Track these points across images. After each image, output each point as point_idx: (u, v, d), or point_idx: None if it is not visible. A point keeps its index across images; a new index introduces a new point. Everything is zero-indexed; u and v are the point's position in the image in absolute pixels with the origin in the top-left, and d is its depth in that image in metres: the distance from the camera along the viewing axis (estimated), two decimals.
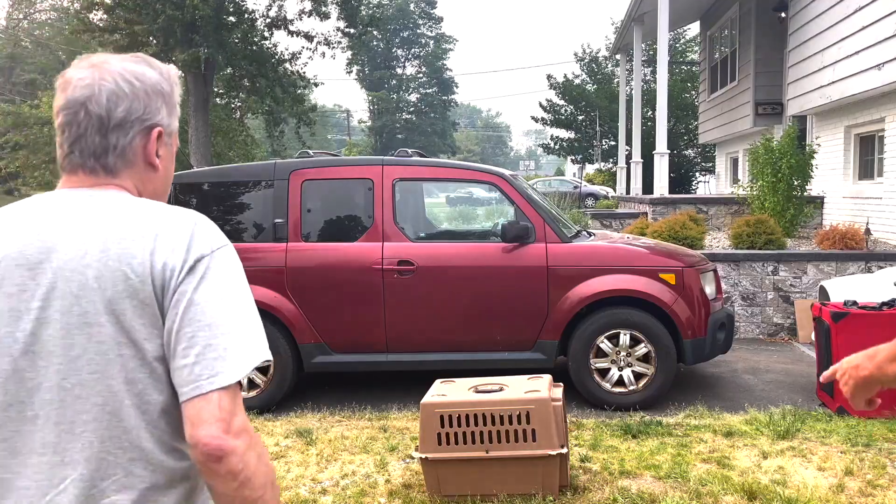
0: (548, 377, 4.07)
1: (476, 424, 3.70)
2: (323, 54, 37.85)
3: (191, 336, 1.19)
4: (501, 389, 3.86)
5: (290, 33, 20.40)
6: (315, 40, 20.90)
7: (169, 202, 1.45)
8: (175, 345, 1.20)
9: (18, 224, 1.26)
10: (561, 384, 4.09)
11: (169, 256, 1.22)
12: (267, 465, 1.25)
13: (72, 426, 1.20)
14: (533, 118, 29.70)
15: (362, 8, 21.07)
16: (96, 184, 1.30)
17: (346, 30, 21.47)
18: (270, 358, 1.30)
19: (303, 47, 21.77)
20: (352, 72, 54.70)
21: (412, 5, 58.36)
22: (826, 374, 1.87)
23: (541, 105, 29.12)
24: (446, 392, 3.92)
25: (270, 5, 20.26)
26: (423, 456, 3.74)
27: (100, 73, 1.29)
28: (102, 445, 1.21)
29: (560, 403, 3.83)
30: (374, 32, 46.53)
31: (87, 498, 1.20)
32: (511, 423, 3.68)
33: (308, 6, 20.35)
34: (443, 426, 3.72)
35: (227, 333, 1.21)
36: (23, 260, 1.22)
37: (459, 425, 3.71)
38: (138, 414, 1.22)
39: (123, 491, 1.22)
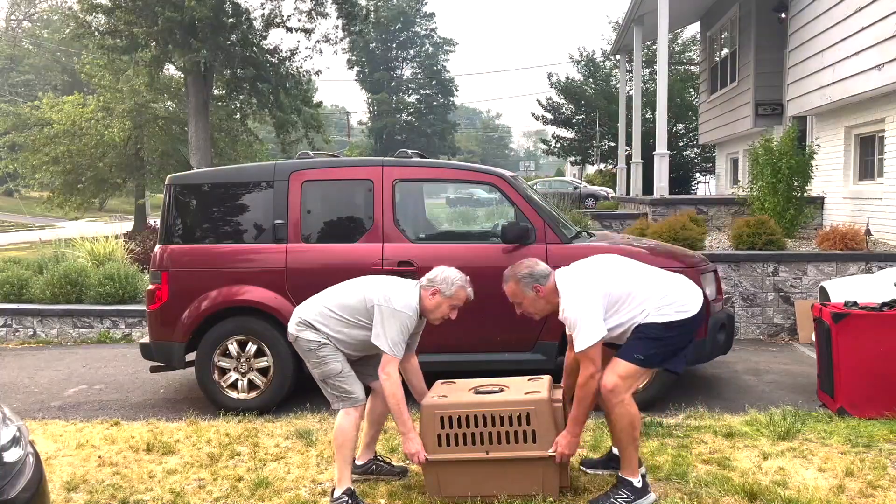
0: (548, 378, 4.06)
1: (476, 426, 3.70)
2: (321, 51, 37.71)
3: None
4: (501, 391, 3.86)
5: (289, 30, 20.39)
6: (314, 37, 20.89)
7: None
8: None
9: None
10: (561, 385, 4.09)
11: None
12: (390, 384, 3.64)
13: None
14: (533, 115, 29.68)
15: (360, 5, 20.99)
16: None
17: (346, 27, 21.45)
18: (395, 356, 3.70)
19: (298, 42, 21.83)
20: (353, 68, 54.78)
21: (405, 5, 58.28)
22: None
23: (540, 103, 29.10)
24: (446, 393, 3.92)
25: (266, 3, 20.28)
26: (425, 458, 3.74)
27: None
28: None
29: (560, 404, 3.83)
30: (373, 33, 46.49)
31: None
32: (511, 424, 3.67)
33: (307, 6, 20.35)
34: (443, 427, 3.72)
35: (382, 334, 3.72)
36: None
37: (459, 426, 3.71)
38: None
39: None
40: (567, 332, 3.71)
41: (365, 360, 3.97)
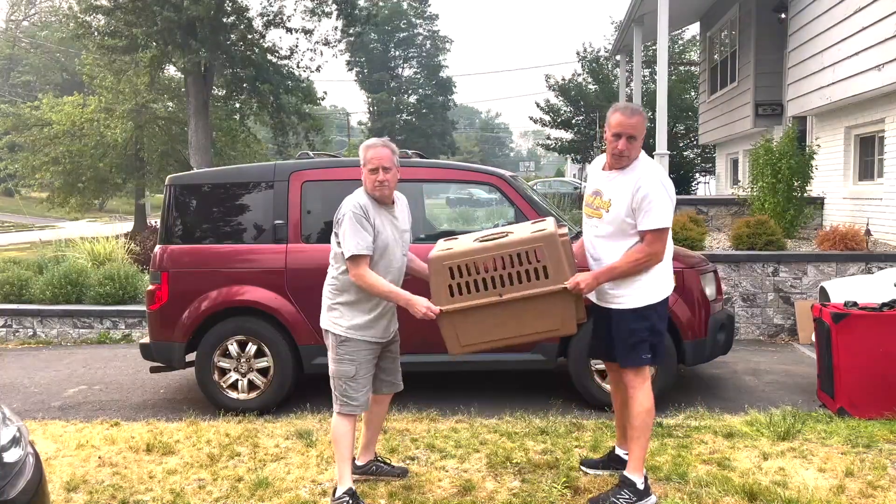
0: (551, 218, 4.00)
1: (486, 270, 3.60)
2: (322, 52, 37.76)
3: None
4: (507, 236, 3.75)
5: (289, 30, 20.40)
6: (314, 38, 20.93)
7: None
8: None
9: None
10: (565, 225, 4.01)
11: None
12: (367, 284, 3.61)
13: None
14: (531, 118, 29.62)
15: (360, 5, 21.01)
16: None
17: (346, 29, 21.46)
18: (359, 253, 3.60)
19: (297, 40, 22.02)
20: (353, 70, 54.79)
21: (405, 4, 58.19)
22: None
23: (539, 105, 29.04)
24: (452, 246, 3.81)
25: (267, 4, 20.30)
26: (438, 309, 3.63)
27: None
28: None
29: (567, 238, 3.74)
30: (372, 35, 46.47)
31: None
32: (521, 263, 3.58)
33: (310, 4, 20.36)
34: (453, 277, 3.62)
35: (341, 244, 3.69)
36: None
37: (469, 274, 3.61)
38: None
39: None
40: (627, 209, 3.58)
41: (390, 358, 3.98)
